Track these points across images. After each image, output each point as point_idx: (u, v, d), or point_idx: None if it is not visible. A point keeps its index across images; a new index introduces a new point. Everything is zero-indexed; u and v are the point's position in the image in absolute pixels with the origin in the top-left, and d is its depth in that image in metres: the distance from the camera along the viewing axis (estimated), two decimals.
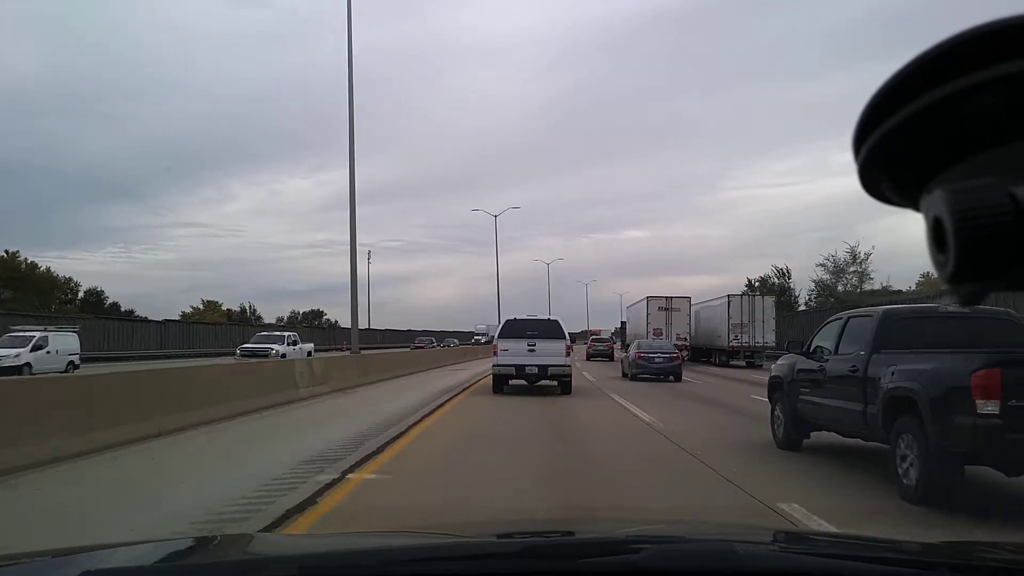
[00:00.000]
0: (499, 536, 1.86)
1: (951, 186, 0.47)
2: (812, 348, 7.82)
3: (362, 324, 31.74)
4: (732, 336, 33.29)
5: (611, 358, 43.07)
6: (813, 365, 7.63)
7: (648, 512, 5.52)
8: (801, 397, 7.78)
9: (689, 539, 1.65)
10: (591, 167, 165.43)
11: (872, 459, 7.09)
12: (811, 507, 5.27)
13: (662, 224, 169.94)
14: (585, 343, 50.66)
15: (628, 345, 33.12)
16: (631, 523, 2.74)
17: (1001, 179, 0.45)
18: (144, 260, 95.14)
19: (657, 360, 22.74)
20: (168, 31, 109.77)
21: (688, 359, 36.50)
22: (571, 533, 2.06)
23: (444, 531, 2.34)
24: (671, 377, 21.94)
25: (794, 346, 8.55)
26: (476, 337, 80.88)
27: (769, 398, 8.81)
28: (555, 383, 15.95)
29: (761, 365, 30.77)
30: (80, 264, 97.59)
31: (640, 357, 22.69)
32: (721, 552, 1.38)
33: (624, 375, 24.44)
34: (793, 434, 8.07)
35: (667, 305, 37.25)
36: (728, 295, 33.79)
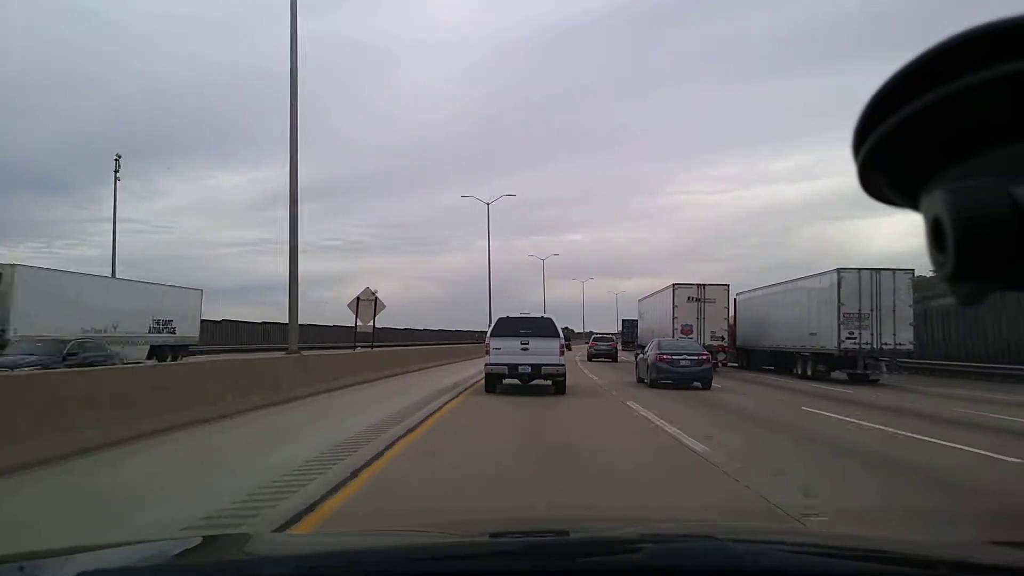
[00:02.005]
0: (498, 535, 1.90)
1: (950, 186, 0.50)
2: None
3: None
4: (846, 334, 23.47)
5: (615, 359, 42.35)
6: None
7: (647, 511, 5.61)
8: None
9: (688, 538, 1.69)
10: (531, 169, 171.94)
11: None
12: None
13: (601, 227, 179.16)
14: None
15: (641, 345, 29.36)
16: (630, 522, 2.72)
17: (1000, 179, 0.48)
18: (67, 255, 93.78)
19: (683, 363, 19.92)
20: (93, 22, 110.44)
21: (728, 363, 32.47)
22: (569, 532, 2.05)
23: (442, 530, 2.33)
24: (698, 384, 19.56)
25: None
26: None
27: None
28: (548, 382, 16.43)
29: (877, 380, 23.56)
30: None
31: (661, 359, 19.95)
32: (720, 551, 1.40)
33: (640, 380, 21.97)
34: None
35: (699, 295, 30.63)
36: (838, 269, 24.09)
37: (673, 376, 19.11)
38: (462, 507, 5.80)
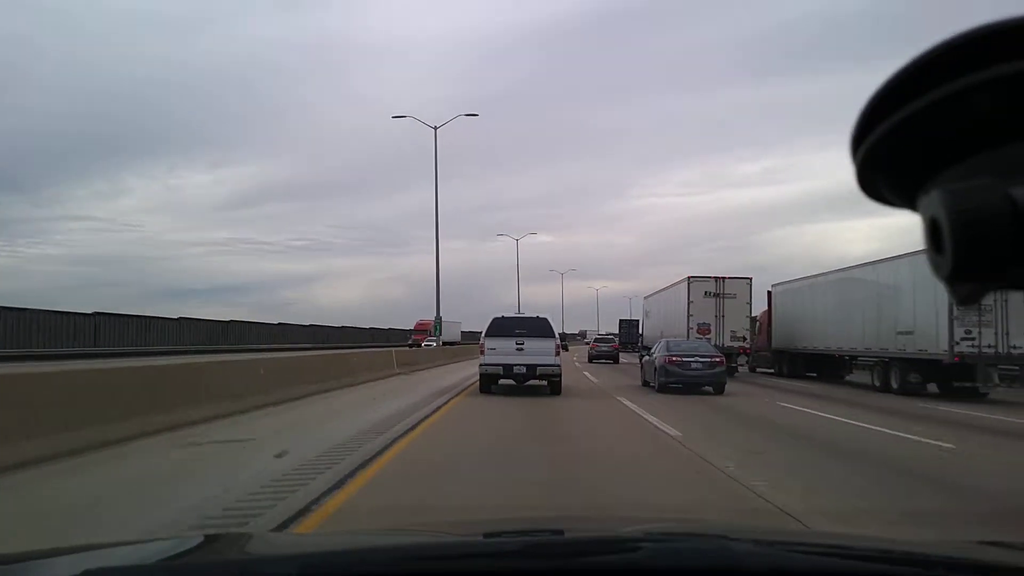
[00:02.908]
0: (496, 534, 1.96)
1: (948, 187, 0.51)
2: None
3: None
4: (962, 333, 17.70)
5: (616, 360, 41.44)
6: None
7: (646, 510, 5.61)
8: None
9: (687, 537, 1.73)
10: (499, 171, 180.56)
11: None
12: None
13: (569, 230, 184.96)
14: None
15: (646, 347, 28.15)
16: (629, 521, 2.84)
17: (998, 180, 0.49)
18: (28, 254, 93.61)
19: (695, 365, 18.75)
20: (54, 14, 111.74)
21: (756, 368, 30.32)
22: (567, 531, 2.13)
23: (441, 529, 2.43)
24: (709, 389, 18.59)
25: None
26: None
27: None
28: (544, 383, 16.89)
29: (987, 394, 18.39)
30: None
31: (671, 361, 18.76)
32: (718, 551, 1.44)
33: (646, 384, 20.81)
34: None
35: (717, 289, 27.51)
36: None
37: (684, 380, 18.31)
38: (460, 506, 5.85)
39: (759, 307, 29.55)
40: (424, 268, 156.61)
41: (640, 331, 42.70)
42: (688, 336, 25.07)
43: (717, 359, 18.82)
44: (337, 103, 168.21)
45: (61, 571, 1.40)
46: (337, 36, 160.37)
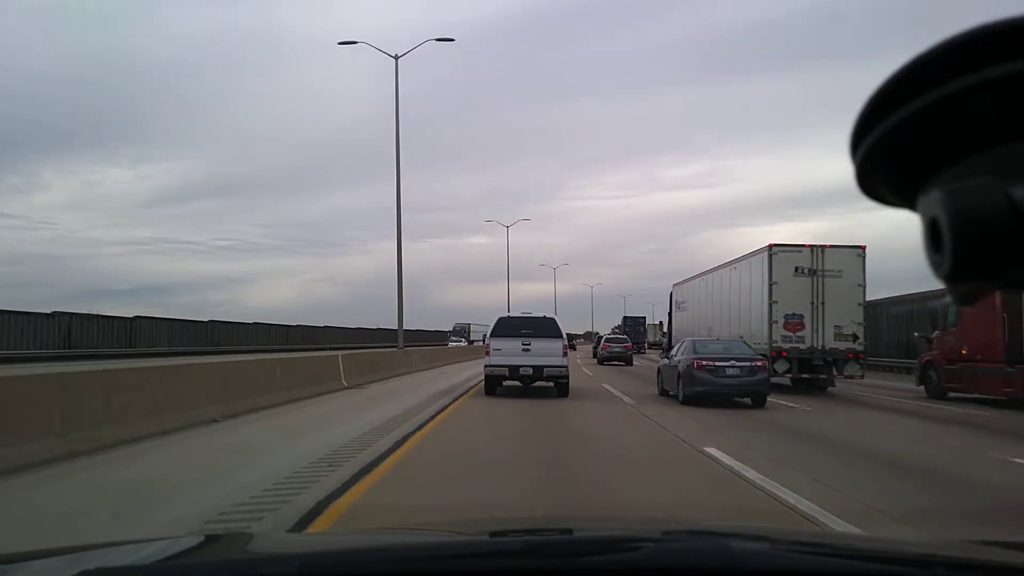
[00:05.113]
0: (498, 534, 2.02)
1: (947, 187, 0.53)
2: None
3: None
4: None
5: (629, 362, 38.43)
6: None
7: (646, 511, 5.88)
8: None
9: (688, 537, 1.81)
10: (430, 173, 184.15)
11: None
12: None
13: (503, 231, 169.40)
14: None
15: (670, 347, 22.02)
16: (631, 522, 2.96)
17: (998, 180, 0.51)
18: None
19: (729, 371, 15.45)
20: None
21: (938, 387, 19.01)
22: (569, 531, 2.18)
23: (443, 529, 2.47)
24: (747, 400, 15.94)
25: None
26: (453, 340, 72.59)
27: None
28: (551, 384, 17.43)
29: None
30: None
31: (699, 366, 15.64)
32: (718, 551, 1.49)
33: (664, 393, 18.19)
34: None
35: (814, 264, 19.82)
36: None
37: (715, 389, 15.70)
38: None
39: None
40: (362, 269, 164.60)
41: (664, 329, 36.72)
42: (771, 334, 19.49)
43: (758, 363, 16.56)
44: (282, 96, 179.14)
45: (59, 571, 1.48)
46: (258, 31, 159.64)
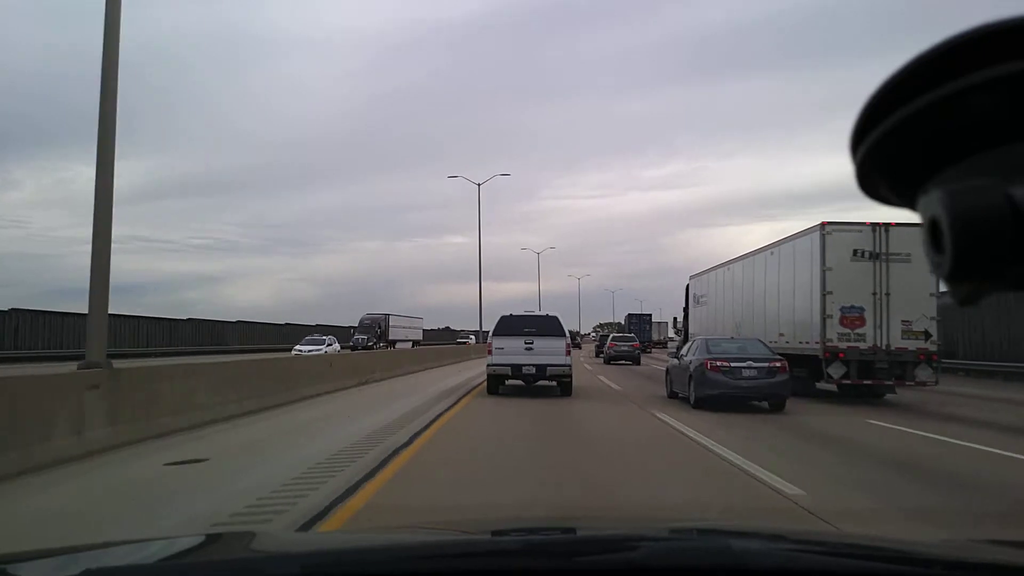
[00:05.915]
0: (500, 533, 2.03)
1: (948, 187, 0.54)
2: None
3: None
4: None
5: (637, 362, 37.66)
6: None
7: (647, 510, 5.96)
8: None
9: (688, 537, 1.82)
10: (407, 173, 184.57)
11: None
12: None
13: (484, 230, 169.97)
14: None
15: (682, 344, 22.41)
16: (631, 521, 2.97)
17: (998, 180, 0.52)
18: None
19: (746, 373, 14.40)
20: None
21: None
22: (571, 530, 2.20)
23: (445, 528, 2.49)
24: (764, 403, 15.24)
25: None
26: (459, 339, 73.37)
27: None
28: (554, 383, 17.93)
29: None
30: None
31: (713, 367, 14.65)
32: (719, 550, 1.52)
33: (673, 395, 17.33)
34: None
35: (877, 247, 16.66)
36: None
37: (731, 391, 14.81)
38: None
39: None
40: (342, 268, 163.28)
41: (678, 327, 31.74)
42: (824, 331, 16.43)
43: (777, 364, 15.61)
44: (263, 93, 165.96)
45: (61, 571, 1.52)
46: (236, 28, 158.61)
